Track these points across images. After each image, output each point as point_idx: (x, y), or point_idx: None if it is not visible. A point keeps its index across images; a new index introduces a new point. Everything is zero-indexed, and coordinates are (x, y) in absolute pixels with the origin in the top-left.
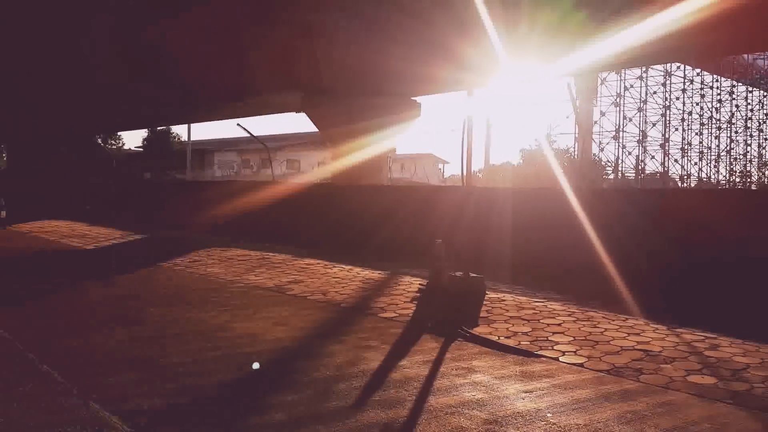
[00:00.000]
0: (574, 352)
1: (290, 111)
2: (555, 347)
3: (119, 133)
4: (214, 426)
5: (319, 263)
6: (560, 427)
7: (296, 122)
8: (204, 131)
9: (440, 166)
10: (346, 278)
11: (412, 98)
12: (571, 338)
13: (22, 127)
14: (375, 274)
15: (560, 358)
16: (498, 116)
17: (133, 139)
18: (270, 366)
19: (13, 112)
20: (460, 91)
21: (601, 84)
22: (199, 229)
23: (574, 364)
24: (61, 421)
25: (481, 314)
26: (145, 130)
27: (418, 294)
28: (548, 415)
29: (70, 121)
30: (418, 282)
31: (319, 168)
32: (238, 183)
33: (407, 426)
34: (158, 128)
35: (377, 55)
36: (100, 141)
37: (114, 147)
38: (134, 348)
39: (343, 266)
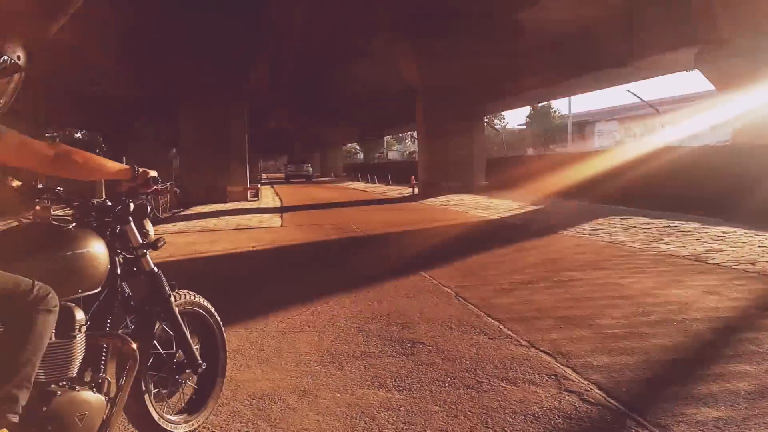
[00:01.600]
0: None
1: (679, 70)
2: None
3: (502, 113)
4: (673, 386)
5: (736, 231)
6: None
7: (676, 83)
8: (582, 103)
9: None
10: None
11: None
12: None
13: (432, 114)
14: None
15: None
16: None
17: (515, 117)
18: (712, 335)
19: (428, 102)
20: None
21: None
22: (581, 198)
23: None
24: (516, 366)
25: None
26: (528, 108)
27: None
28: None
29: (470, 105)
30: None
31: (712, 130)
32: (616, 151)
33: None
34: (539, 105)
35: None
36: (486, 122)
37: (499, 126)
38: (564, 308)
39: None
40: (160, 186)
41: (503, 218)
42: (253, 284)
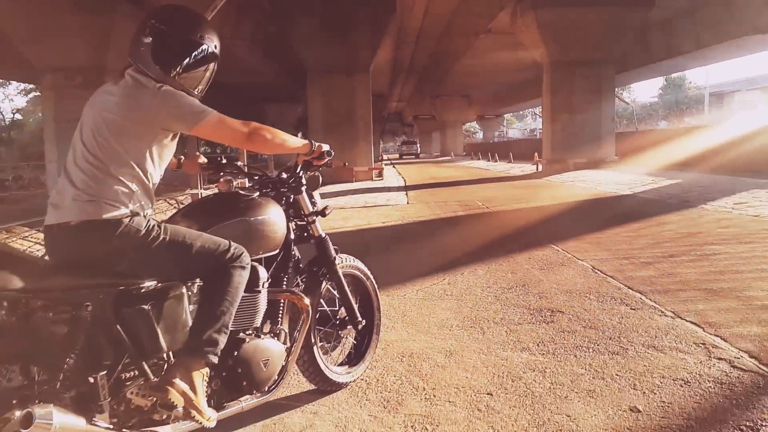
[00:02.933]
0: None
1: None
2: None
3: (632, 86)
4: None
5: None
6: None
7: None
8: (719, 74)
9: None
10: None
11: None
12: None
13: (558, 88)
14: None
15: None
16: None
17: (646, 90)
18: None
19: (554, 76)
20: None
21: None
22: (721, 172)
23: None
24: (661, 335)
25: None
26: (660, 79)
27: None
28: None
29: (597, 78)
30: None
31: None
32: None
33: None
34: (672, 76)
35: None
36: (616, 95)
37: (629, 99)
38: (710, 280)
39: None
40: (331, 159)
41: (636, 193)
42: (388, 256)
